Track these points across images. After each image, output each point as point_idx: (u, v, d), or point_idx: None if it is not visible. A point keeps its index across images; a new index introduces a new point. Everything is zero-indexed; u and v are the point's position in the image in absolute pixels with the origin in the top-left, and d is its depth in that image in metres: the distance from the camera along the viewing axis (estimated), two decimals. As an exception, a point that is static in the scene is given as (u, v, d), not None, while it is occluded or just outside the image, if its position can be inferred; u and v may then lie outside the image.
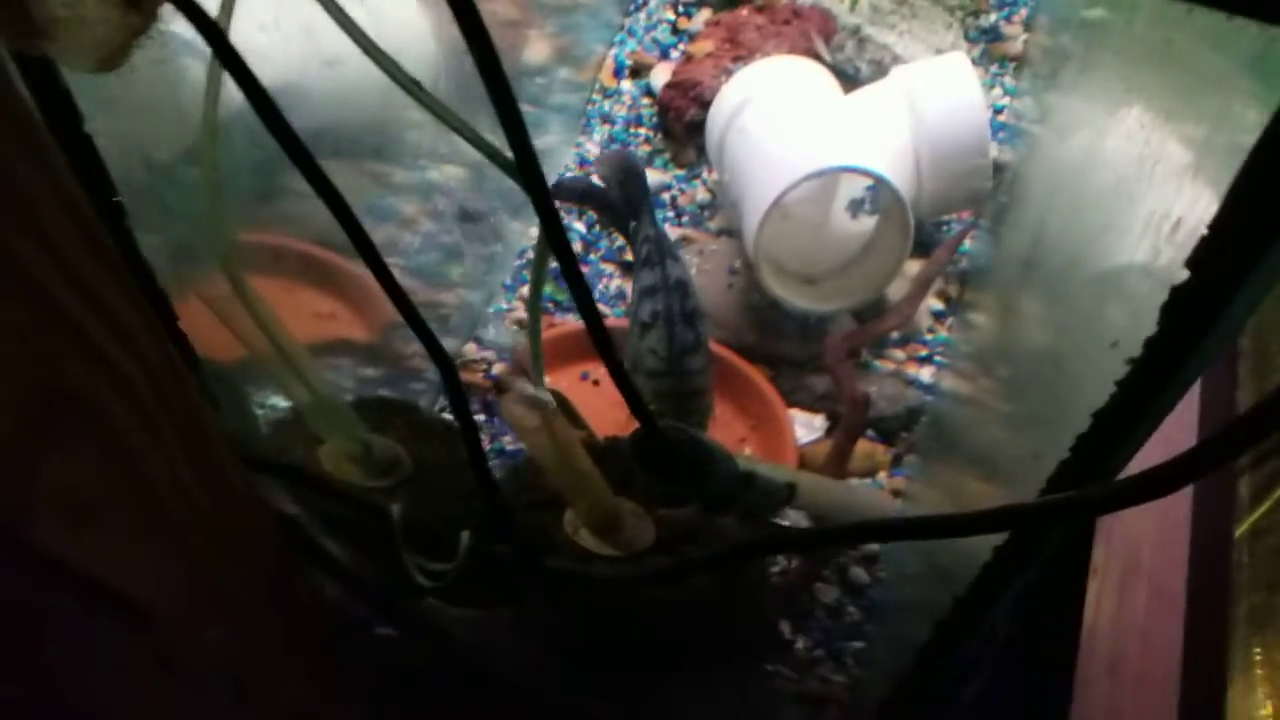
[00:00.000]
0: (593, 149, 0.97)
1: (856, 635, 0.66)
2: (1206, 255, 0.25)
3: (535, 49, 0.91)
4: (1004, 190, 0.82)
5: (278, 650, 0.45)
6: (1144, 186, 0.40)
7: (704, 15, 1.02)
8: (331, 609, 0.56)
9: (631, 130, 0.98)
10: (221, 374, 0.50)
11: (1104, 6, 0.62)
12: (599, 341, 0.38)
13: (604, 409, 0.74)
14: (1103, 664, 0.52)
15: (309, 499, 0.53)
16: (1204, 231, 0.25)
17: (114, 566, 0.31)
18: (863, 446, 0.74)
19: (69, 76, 0.38)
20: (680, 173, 0.95)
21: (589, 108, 1.00)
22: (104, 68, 0.32)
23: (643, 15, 1.04)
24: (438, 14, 0.66)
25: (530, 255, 0.90)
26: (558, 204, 0.93)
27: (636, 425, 0.44)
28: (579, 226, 0.92)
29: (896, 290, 0.82)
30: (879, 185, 0.75)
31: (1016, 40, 0.97)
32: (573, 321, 0.83)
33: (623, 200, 0.78)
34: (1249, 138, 0.23)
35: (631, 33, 1.03)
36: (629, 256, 0.89)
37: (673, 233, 0.90)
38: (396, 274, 0.39)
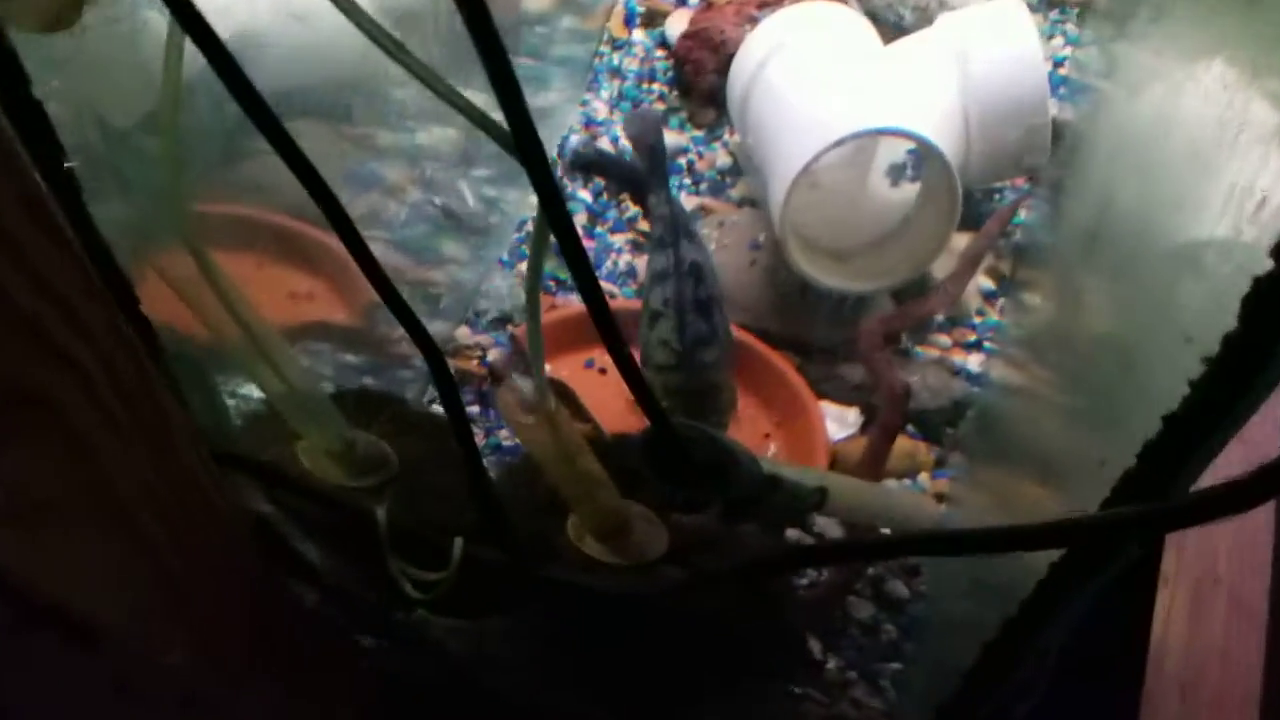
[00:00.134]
0: (600, 108, 0.97)
1: (894, 656, 0.66)
2: (1297, 242, 0.25)
3: (536, -6, 0.90)
4: (1064, 154, 0.81)
5: (249, 669, 0.45)
6: (1225, 155, 0.39)
7: (726, -45, 1.01)
8: (311, 620, 0.57)
9: (644, 87, 0.97)
10: (189, 363, 0.50)
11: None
12: (604, 330, 0.38)
13: (611, 401, 0.74)
14: (1173, 683, 0.52)
15: (286, 500, 0.54)
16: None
17: (62, 578, 0.31)
18: (902, 444, 0.74)
19: (15, 37, 0.38)
20: (698, 134, 0.95)
21: (596, 61, 0.99)
22: (53, 26, 0.32)
23: (657, -45, 1.03)
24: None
25: (529, 228, 0.90)
26: (563, 175, 0.92)
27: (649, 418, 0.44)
28: (584, 195, 0.92)
29: (941, 268, 0.81)
30: (922, 149, 0.75)
31: (1080, -17, 0.96)
32: (577, 303, 0.83)
33: (649, 168, 0.77)
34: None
35: (644, -25, 1.02)
36: (644, 226, 0.89)
37: (689, 202, 0.90)
38: (379, 249, 0.39)
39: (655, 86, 0.97)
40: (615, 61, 0.99)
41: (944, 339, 0.82)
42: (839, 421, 0.77)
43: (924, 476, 0.75)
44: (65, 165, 0.42)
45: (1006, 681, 0.41)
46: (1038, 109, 0.77)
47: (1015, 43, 0.77)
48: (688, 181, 0.92)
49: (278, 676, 0.49)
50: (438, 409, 0.70)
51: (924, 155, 0.79)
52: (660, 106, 0.96)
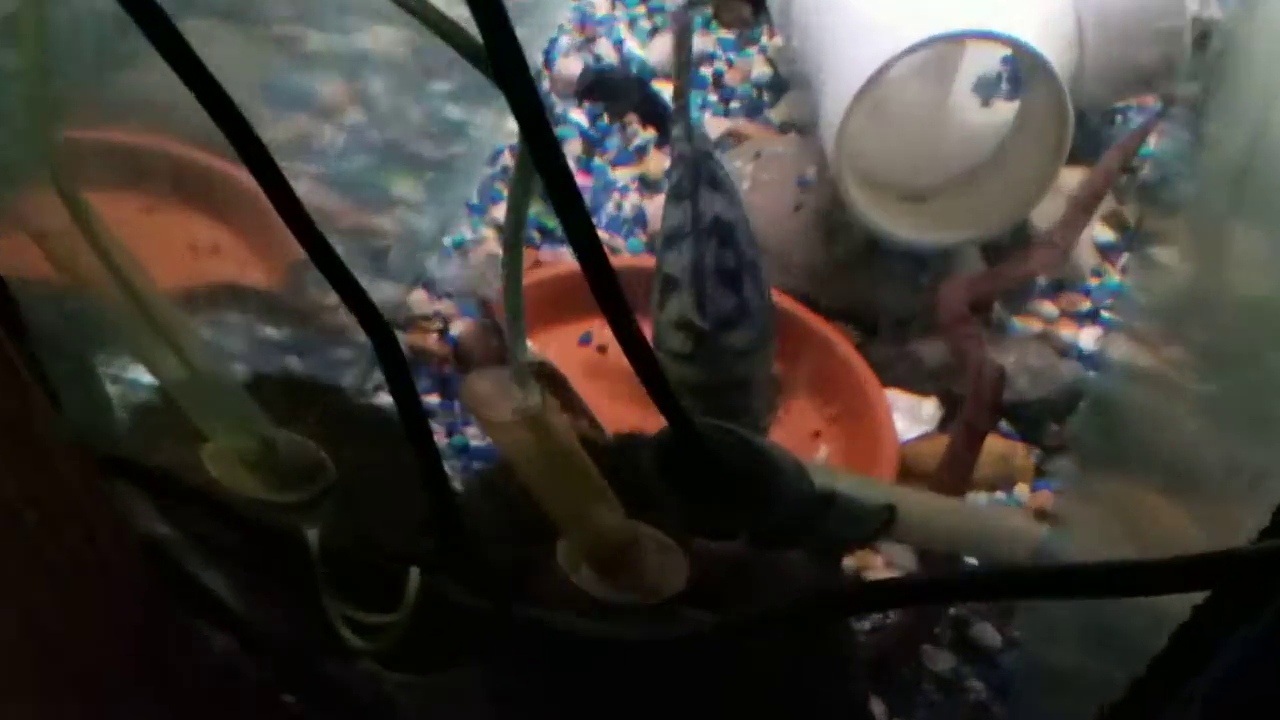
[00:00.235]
0: (599, 1, 0.97)
1: (981, 718, 0.66)
2: None
3: None
4: (1208, 65, 0.81)
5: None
6: None
7: None
8: (221, 675, 0.57)
9: (656, -28, 0.98)
10: (58, 342, 0.50)
11: None
12: (604, 295, 0.37)
13: (614, 387, 0.74)
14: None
15: (187, 518, 0.54)
16: None
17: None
18: (994, 445, 0.74)
19: None
20: (728, 36, 0.94)
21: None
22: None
23: None
24: None
25: (507, 160, 0.89)
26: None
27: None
28: (578, 117, 0.92)
29: (1046, 214, 0.81)
30: (1023, 58, 0.74)
31: None
32: (569, 260, 0.83)
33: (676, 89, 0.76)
34: None
35: None
36: (658, 159, 0.88)
37: (716, 126, 0.89)
38: (307, 187, 0.39)
39: (672, -28, 0.97)
40: (617, -60, 0.99)
41: (1049, 308, 0.82)
42: (911, 416, 0.77)
43: (1022, 488, 0.75)
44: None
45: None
46: (1172, 6, 0.77)
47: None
48: (714, 99, 0.92)
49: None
50: (385, 399, 0.70)
51: (1024, 66, 0.78)
52: None
